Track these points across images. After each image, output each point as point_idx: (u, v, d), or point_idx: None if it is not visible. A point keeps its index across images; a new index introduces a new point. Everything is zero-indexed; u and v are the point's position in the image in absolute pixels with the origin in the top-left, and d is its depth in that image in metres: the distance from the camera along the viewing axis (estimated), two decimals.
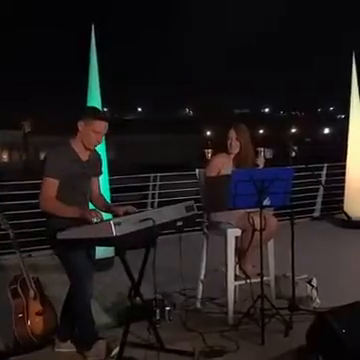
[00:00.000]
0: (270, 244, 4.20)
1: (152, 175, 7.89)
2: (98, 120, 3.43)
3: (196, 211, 3.60)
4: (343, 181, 8.35)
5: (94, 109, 3.64)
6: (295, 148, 4.16)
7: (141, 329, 3.74)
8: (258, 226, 3.84)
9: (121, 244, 2.97)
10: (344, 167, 8.45)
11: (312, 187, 8.80)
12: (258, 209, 3.84)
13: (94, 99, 5.89)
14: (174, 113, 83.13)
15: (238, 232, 4.10)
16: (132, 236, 2.95)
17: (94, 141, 3.45)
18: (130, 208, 3.45)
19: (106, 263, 5.56)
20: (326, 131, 66.44)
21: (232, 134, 4.26)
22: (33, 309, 3.71)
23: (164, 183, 8.14)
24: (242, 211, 4.02)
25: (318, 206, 9.06)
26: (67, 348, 3.61)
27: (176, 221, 3.34)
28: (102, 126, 3.45)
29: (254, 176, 3.72)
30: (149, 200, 7.76)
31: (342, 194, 8.30)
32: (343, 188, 8.29)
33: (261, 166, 4.19)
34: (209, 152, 52.93)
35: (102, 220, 3.13)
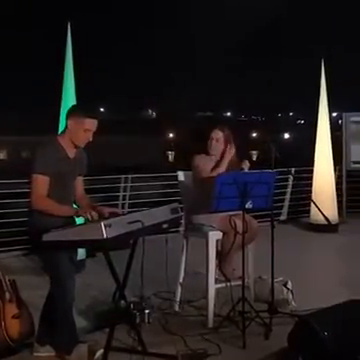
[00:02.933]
0: (250, 247, 4.22)
1: (123, 176, 7.84)
2: (89, 118, 3.38)
3: (181, 213, 3.59)
4: (310, 185, 8.48)
5: (84, 107, 3.55)
6: (277, 151, 4.18)
7: (120, 332, 3.70)
8: (240, 229, 3.86)
9: (111, 247, 2.92)
10: (310, 171, 8.59)
11: (279, 191, 8.91)
12: (239, 212, 3.86)
13: (69, 97, 5.81)
14: (136, 114, 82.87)
15: (219, 235, 4.10)
16: (121, 238, 2.91)
17: (84, 139, 3.40)
18: (116, 209, 3.41)
19: (78, 265, 5.47)
20: (286, 136, 67.50)
21: (215, 134, 4.26)
22: (9, 312, 3.59)
23: (133, 185, 8.09)
24: (224, 214, 4.02)
25: (285, 210, 9.19)
26: (46, 352, 3.53)
27: (162, 223, 3.32)
28: (93, 124, 3.40)
29: (238, 179, 3.73)
30: (120, 201, 7.69)
31: (309, 198, 8.43)
32: (310, 192, 8.42)
33: (246, 170, 4.20)
34: (171, 154, 53.22)
35: (96, 219, 3.07)
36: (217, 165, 4.22)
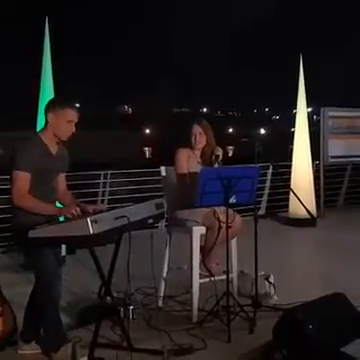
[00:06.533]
0: (233, 242, 4.23)
1: (102, 172, 7.80)
2: (70, 109, 3.34)
3: (165, 209, 3.59)
4: (288, 180, 8.55)
5: (63, 99, 3.49)
6: (260, 147, 4.20)
7: (104, 329, 3.67)
8: (224, 223, 3.86)
9: (97, 242, 2.90)
10: (287, 166, 8.67)
11: (257, 185, 8.93)
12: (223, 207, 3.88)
13: (47, 93, 5.76)
14: (113, 110, 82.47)
15: (203, 230, 4.10)
16: (107, 234, 2.90)
17: (67, 131, 3.36)
18: (99, 205, 3.39)
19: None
20: (262, 131, 67.98)
21: (196, 129, 4.26)
22: None
23: (112, 181, 8.06)
24: (208, 208, 4.03)
25: (263, 204, 9.26)
26: (31, 350, 3.50)
27: (148, 218, 3.32)
28: (74, 114, 3.36)
29: (221, 174, 3.74)
30: (100, 198, 7.66)
31: (287, 193, 8.51)
32: (288, 187, 8.49)
33: (220, 156, 4.20)
34: (148, 150, 53.12)
35: (80, 216, 3.04)
36: None
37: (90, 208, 3.36)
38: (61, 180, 3.56)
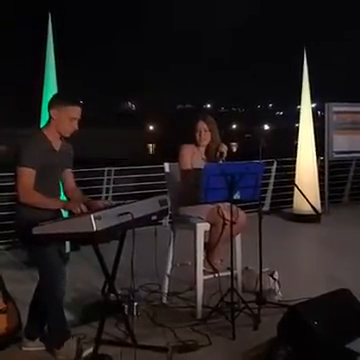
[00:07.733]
0: (237, 238, 4.21)
1: (106, 169, 7.79)
2: (74, 106, 3.33)
3: (169, 205, 3.58)
4: (292, 176, 8.50)
5: (67, 95, 3.47)
6: (264, 143, 4.17)
7: (108, 325, 3.66)
8: (229, 220, 3.85)
9: (101, 239, 2.89)
10: (292, 162, 8.63)
11: (261, 181, 8.89)
12: (227, 203, 3.86)
13: (50, 89, 5.76)
14: (116, 107, 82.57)
15: (207, 226, 4.09)
16: (111, 230, 2.89)
17: (70, 128, 3.34)
18: (108, 202, 3.38)
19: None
20: (266, 127, 67.92)
21: (201, 125, 4.23)
22: None
23: (116, 177, 8.04)
24: (212, 205, 4.01)
25: (268, 200, 9.22)
26: (35, 347, 3.50)
27: (151, 215, 3.30)
28: (78, 111, 3.35)
29: (225, 170, 3.72)
30: (104, 194, 7.65)
31: (292, 189, 8.48)
32: (292, 183, 8.44)
33: (225, 153, 4.17)
34: (152, 146, 53.21)
35: (84, 212, 3.03)
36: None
37: (100, 203, 3.34)
38: (69, 177, 3.53)
